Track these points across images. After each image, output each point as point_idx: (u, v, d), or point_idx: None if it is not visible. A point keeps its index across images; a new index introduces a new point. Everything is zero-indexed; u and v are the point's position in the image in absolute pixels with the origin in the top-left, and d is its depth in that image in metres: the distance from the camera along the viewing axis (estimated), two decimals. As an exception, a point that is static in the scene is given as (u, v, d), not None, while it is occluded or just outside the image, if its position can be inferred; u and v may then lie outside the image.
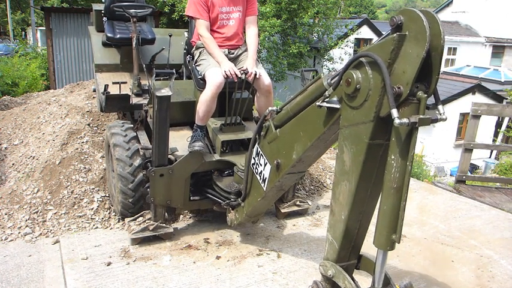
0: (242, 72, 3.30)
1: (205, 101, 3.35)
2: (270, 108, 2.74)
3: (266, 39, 12.91)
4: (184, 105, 3.78)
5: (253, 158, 2.98)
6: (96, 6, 5.12)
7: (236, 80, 3.32)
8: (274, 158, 2.68)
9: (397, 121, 1.70)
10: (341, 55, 16.37)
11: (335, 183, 2.13)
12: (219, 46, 3.49)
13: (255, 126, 3.77)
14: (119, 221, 3.78)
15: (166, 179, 3.32)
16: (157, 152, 3.23)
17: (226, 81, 3.33)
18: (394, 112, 1.71)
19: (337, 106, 2.08)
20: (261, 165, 2.87)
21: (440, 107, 1.87)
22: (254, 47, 3.54)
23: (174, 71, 3.31)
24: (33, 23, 21.76)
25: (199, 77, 3.50)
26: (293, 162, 2.52)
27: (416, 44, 1.70)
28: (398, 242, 1.91)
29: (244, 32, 3.74)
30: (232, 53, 3.61)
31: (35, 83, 10.94)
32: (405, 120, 1.71)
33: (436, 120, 1.84)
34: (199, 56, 3.58)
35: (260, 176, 2.90)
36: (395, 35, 1.76)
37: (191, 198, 3.61)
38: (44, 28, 12.23)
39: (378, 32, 21.52)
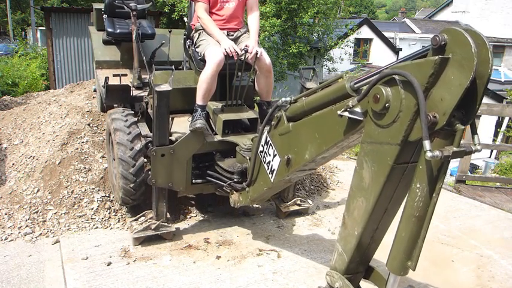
0: (243, 50, 3.28)
1: (205, 79, 3.34)
2: (283, 99, 2.66)
3: (266, 39, 12.90)
4: (184, 92, 3.77)
5: (262, 145, 2.90)
6: (97, 5, 5.15)
7: (236, 58, 3.32)
8: (285, 153, 2.59)
9: (429, 154, 1.53)
10: (341, 55, 16.37)
11: (351, 197, 2.03)
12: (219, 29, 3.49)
13: (256, 111, 3.78)
14: (119, 221, 3.78)
15: (167, 159, 3.28)
16: (158, 133, 3.20)
17: (227, 62, 3.32)
18: (427, 144, 1.53)
19: (360, 119, 1.91)
20: (269, 155, 2.80)
21: (476, 137, 1.70)
22: (255, 28, 3.54)
23: (173, 67, 3.31)
24: (33, 23, 21.75)
25: (199, 57, 3.50)
26: (305, 161, 2.43)
27: (461, 72, 1.51)
28: (414, 270, 1.81)
29: (245, 17, 3.75)
30: (232, 35, 3.61)
31: (35, 83, 10.95)
32: (437, 153, 1.55)
33: (470, 153, 1.67)
34: (198, 38, 3.59)
35: (268, 166, 2.83)
36: (437, 57, 1.55)
37: (193, 181, 3.58)
38: (44, 28, 12.22)
39: (377, 32, 21.53)
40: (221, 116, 3.46)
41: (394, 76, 1.70)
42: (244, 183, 3.18)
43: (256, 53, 3.33)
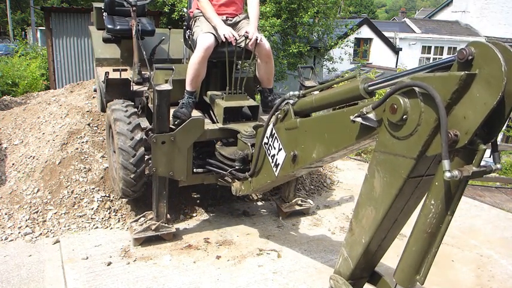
0: (243, 36, 3.28)
1: (193, 64, 3.36)
2: (291, 93, 2.63)
3: (266, 39, 12.92)
4: (184, 83, 3.71)
5: (267, 137, 2.84)
6: (97, 4, 5.17)
7: (235, 44, 3.32)
8: (291, 149, 2.52)
9: (447, 174, 1.45)
10: (341, 55, 16.37)
11: (360, 204, 1.96)
12: (217, 14, 3.49)
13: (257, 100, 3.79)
14: (119, 221, 3.78)
15: (168, 147, 3.26)
16: (158, 122, 3.19)
17: (226, 48, 3.32)
18: (446, 164, 1.44)
19: (374, 126, 1.82)
20: (274, 148, 2.74)
21: (496, 155, 1.60)
22: (255, 14, 3.53)
23: (173, 67, 3.32)
24: (33, 23, 21.75)
25: (194, 45, 3.51)
26: (312, 160, 2.37)
27: (487, 90, 1.41)
28: (422, 284, 1.76)
29: (245, 4, 3.76)
30: (231, 20, 3.61)
31: (35, 83, 10.94)
32: (456, 173, 1.46)
33: (490, 172, 1.58)
34: (194, 25, 3.61)
35: (272, 159, 2.78)
36: (463, 73, 1.44)
37: (194, 171, 3.56)
38: (44, 28, 12.23)
39: (377, 32, 21.52)
40: (222, 104, 3.45)
41: (414, 88, 1.60)
42: (247, 173, 3.14)
43: (257, 39, 3.32)
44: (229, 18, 3.60)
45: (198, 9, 3.64)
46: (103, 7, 4.89)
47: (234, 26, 3.59)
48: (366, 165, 5.86)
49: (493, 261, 3.53)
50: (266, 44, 3.46)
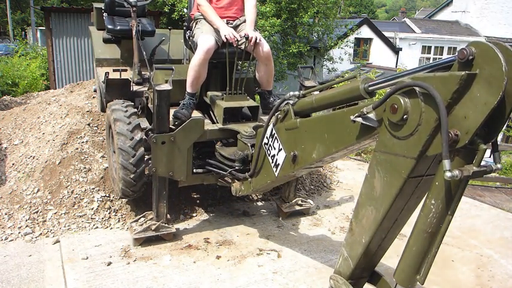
0: (243, 38, 3.30)
1: (193, 66, 3.37)
2: (291, 93, 2.63)
3: (266, 39, 12.91)
4: (183, 83, 3.72)
5: (267, 137, 2.84)
6: (97, 5, 5.18)
7: (236, 45, 3.34)
8: (292, 149, 2.53)
9: (448, 174, 1.46)
10: (341, 55, 16.38)
11: (360, 204, 1.96)
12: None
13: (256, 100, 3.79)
14: (119, 221, 3.78)
15: (168, 147, 3.26)
16: (158, 122, 3.19)
17: (226, 50, 3.33)
18: (447, 164, 1.45)
19: (375, 126, 1.82)
20: (274, 148, 2.74)
21: (497, 155, 1.60)
22: (252, 16, 3.56)
23: (173, 67, 3.33)
24: (33, 23, 21.75)
25: (195, 47, 3.53)
26: (312, 160, 2.37)
27: (488, 90, 1.42)
28: (422, 284, 1.77)
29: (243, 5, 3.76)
30: (232, 24, 3.62)
31: (35, 83, 10.95)
32: (457, 172, 1.47)
33: (491, 172, 1.59)
34: (195, 27, 3.62)
35: (272, 160, 2.78)
36: (463, 73, 1.45)
37: (194, 171, 3.56)
38: (44, 28, 12.23)
39: (377, 32, 21.52)
40: (222, 104, 3.46)
41: (414, 88, 1.60)
42: (247, 173, 3.14)
43: (256, 38, 3.33)
44: (230, 21, 3.61)
45: (199, 11, 3.65)
46: (103, 7, 4.89)
47: (235, 28, 3.61)
48: (366, 165, 5.86)
49: (493, 261, 3.54)
50: (265, 46, 3.47)
